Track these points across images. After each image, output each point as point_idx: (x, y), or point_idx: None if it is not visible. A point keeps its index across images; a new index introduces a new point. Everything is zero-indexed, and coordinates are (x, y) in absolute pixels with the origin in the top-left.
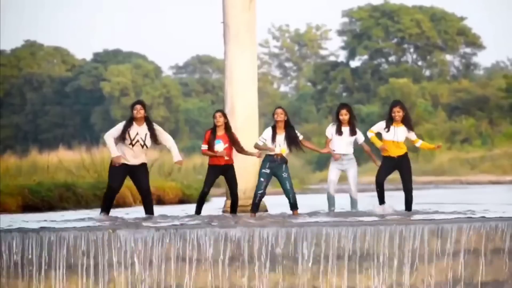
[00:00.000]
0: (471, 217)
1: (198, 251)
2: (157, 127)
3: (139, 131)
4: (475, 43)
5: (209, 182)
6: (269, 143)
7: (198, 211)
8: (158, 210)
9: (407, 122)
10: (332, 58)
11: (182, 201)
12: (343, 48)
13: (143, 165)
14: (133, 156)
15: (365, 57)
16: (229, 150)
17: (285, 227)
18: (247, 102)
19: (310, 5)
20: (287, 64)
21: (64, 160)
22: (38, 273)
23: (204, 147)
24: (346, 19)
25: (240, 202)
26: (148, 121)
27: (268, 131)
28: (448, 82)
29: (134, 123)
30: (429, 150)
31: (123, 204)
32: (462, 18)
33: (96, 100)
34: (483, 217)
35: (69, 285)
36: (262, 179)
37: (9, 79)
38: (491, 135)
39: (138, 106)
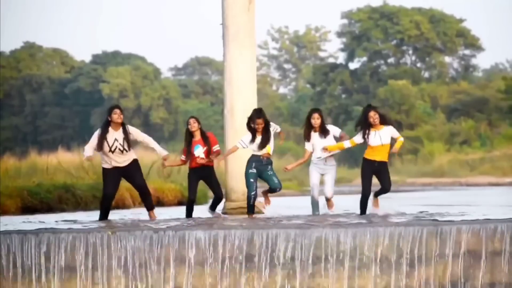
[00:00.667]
0: (470, 219)
1: (196, 252)
2: (132, 129)
3: (117, 136)
4: (474, 44)
5: (193, 188)
6: (254, 147)
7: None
8: (157, 211)
9: (386, 121)
10: (331, 60)
11: (181, 202)
12: (342, 49)
13: (133, 162)
14: (119, 159)
15: (364, 58)
16: (207, 153)
17: (284, 228)
18: (246, 103)
19: (309, 6)
20: (286, 66)
21: (64, 162)
22: (37, 275)
23: (182, 157)
24: (345, 21)
25: (240, 204)
26: (123, 125)
27: (248, 136)
28: (447, 83)
29: (110, 128)
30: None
31: (123, 206)
32: (461, 20)
33: (95, 101)
34: (483, 219)
35: (68, 286)
36: (251, 180)
37: (8, 80)
38: (490, 137)
39: (118, 111)
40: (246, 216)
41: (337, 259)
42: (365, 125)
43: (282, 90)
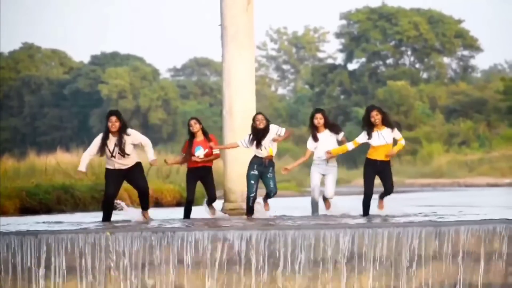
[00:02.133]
0: (469, 220)
1: (196, 253)
2: (131, 131)
3: (117, 141)
4: (472, 45)
5: (191, 188)
6: (252, 148)
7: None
8: (156, 212)
9: (388, 123)
10: (330, 61)
11: (179, 203)
12: (341, 50)
13: (136, 165)
14: (121, 162)
15: (363, 59)
16: (209, 155)
17: (282, 229)
18: (245, 104)
19: (308, 7)
20: (285, 67)
21: (62, 163)
22: (36, 276)
23: (182, 154)
24: (344, 22)
25: (238, 205)
26: (121, 131)
27: (247, 137)
28: (445, 84)
29: (110, 134)
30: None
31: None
32: (459, 21)
33: (94, 102)
34: (481, 219)
35: (67, 287)
36: (252, 182)
37: (7, 81)
38: (489, 138)
39: (113, 118)
40: (245, 216)
41: (336, 260)
42: (367, 125)
43: (280, 91)
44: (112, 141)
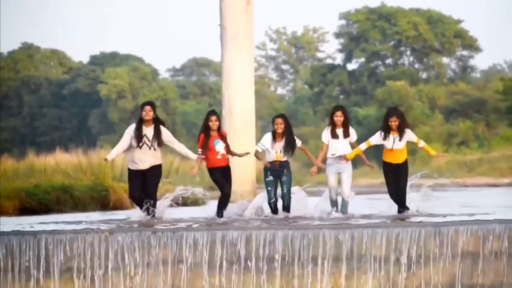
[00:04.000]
0: (468, 220)
1: (194, 253)
2: (164, 130)
3: (147, 132)
4: (472, 45)
5: (220, 181)
6: (268, 149)
7: (221, 214)
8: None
9: (403, 128)
10: (329, 61)
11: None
12: (340, 50)
13: (154, 168)
14: (142, 160)
15: (362, 59)
16: (227, 149)
17: (282, 229)
18: (244, 104)
19: (307, 7)
20: (284, 67)
21: (62, 163)
22: (35, 276)
23: (200, 151)
24: (343, 22)
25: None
26: (156, 123)
27: (268, 137)
28: (445, 84)
29: (142, 125)
30: (428, 153)
31: (120, 207)
32: (459, 21)
33: (93, 102)
34: (481, 219)
35: (66, 287)
36: (269, 188)
37: (6, 81)
38: (488, 138)
39: (148, 108)
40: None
41: (335, 259)
42: (384, 128)
43: (280, 91)
44: (142, 131)
